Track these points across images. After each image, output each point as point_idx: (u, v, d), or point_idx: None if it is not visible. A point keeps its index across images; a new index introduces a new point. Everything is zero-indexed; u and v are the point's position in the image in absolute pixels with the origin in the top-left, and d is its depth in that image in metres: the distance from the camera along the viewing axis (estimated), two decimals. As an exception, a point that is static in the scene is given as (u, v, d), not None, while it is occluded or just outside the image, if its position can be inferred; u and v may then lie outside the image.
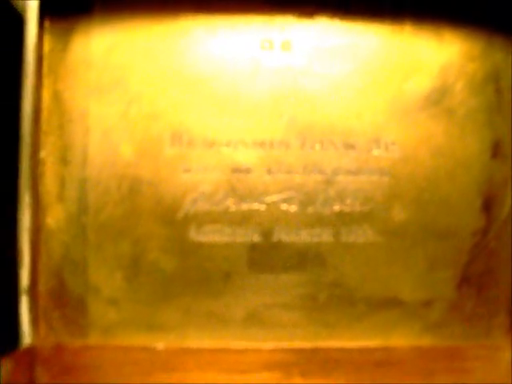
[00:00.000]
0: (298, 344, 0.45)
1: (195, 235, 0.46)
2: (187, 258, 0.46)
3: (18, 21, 0.47)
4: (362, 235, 0.47)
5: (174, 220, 0.46)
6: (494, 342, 0.46)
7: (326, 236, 0.46)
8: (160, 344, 0.45)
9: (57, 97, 0.46)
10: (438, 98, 0.48)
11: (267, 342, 0.45)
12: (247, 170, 0.47)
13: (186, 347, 0.45)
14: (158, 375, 0.44)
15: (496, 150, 0.48)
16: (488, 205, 0.48)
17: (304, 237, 0.46)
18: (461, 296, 0.47)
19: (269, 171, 0.47)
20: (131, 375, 0.44)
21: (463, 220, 0.47)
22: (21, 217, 0.44)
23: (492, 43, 0.49)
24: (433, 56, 0.48)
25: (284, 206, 0.46)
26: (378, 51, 0.48)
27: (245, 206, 0.46)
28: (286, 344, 0.45)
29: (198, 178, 0.46)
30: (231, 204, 0.46)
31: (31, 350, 0.43)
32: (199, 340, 0.45)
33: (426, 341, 0.46)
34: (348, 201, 0.47)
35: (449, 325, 0.47)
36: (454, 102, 0.48)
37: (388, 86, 0.47)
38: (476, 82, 0.48)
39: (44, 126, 0.46)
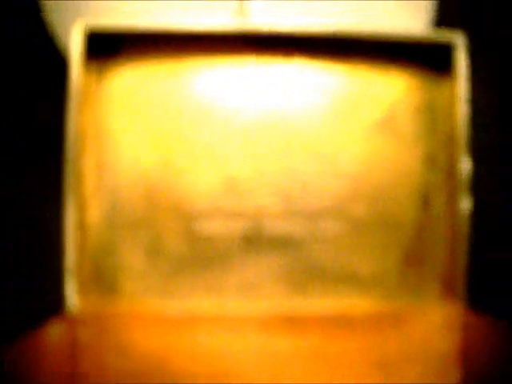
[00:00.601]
0: (281, 311, 0.48)
1: (200, 226, 0.49)
2: (193, 243, 0.49)
3: (61, 60, 0.50)
4: (331, 226, 0.50)
5: (183, 214, 0.49)
6: (429, 305, 0.50)
7: (302, 226, 0.50)
8: (174, 310, 0.47)
9: (93, 121, 0.49)
10: (387, 122, 0.51)
11: (257, 309, 0.48)
12: (241, 176, 0.50)
13: (193, 312, 0.47)
14: (171, 335, 0.46)
15: (432, 161, 0.52)
16: (426, 202, 0.51)
17: (285, 227, 0.50)
18: (404, 272, 0.50)
19: (258, 177, 0.50)
20: (152, 335, 0.46)
21: (407, 214, 0.51)
22: (67, 213, 0.47)
23: (428, 79, 0.51)
24: (383, 90, 0.51)
25: (270, 204, 0.50)
26: (342, 86, 0.51)
27: (239, 204, 0.50)
28: (271, 311, 0.48)
29: (201, 183, 0.50)
30: (228, 203, 0.50)
31: (75, 316, 0.46)
32: (203, 307, 0.48)
33: (377, 307, 0.49)
34: (320, 200, 0.50)
35: (395, 294, 0.50)
36: (400, 125, 0.51)
37: (349, 113, 0.51)
38: (416, 110, 0.51)
39: (84, 143, 0.49)
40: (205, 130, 0.50)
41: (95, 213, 0.49)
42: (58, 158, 0.49)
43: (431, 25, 0.59)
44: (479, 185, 0.51)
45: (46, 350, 0.40)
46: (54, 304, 0.47)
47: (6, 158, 0.57)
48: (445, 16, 0.59)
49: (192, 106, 0.50)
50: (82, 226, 0.48)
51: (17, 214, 0.56)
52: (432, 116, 0.52)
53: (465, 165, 0.50)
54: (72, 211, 0.47)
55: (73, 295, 0.47)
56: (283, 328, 0.47)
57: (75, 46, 0.48)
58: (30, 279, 0.56)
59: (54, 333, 0.42)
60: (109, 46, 0.50)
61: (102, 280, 0.49)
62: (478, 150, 0.51)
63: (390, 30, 0.51)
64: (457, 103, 0.51)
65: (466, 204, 0.50)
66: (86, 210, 0.49)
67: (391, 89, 0.52)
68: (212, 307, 0.48)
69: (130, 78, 0.50)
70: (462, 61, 0.50)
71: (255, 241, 0.50)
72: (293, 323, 0.47)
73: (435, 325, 0.49)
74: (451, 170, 0.51)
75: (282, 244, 0.50)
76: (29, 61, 0.56)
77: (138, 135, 0.50)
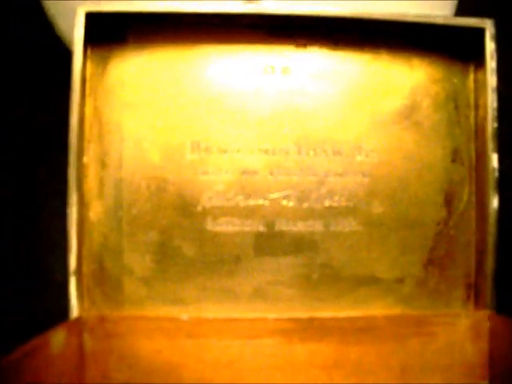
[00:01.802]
0: (296, 314, 0.46)
1: (211, 226, 0.47)
2: (204, 244, 0.47)
3: (65, 49, 0.47)
4: (348, 225, 0.48)
5: (193, 213, 0.47)
6: (454, 311, 0.47)
7: (317, 226, 0.47)
8: (184, 315, 0.45)
9: (97, 112, 0.47)
10: (408, 114, 0.49)
11: (271, 313, 0.46)
12: (254, 172, 0.47)
13: (205, 317, 0.45)
14: (182, 341, 0.44)
15: (455, 156, 0.49)
16: (448, 200, 0.49)
17: (300, 227, 0.47)
18: (426, 274, 0.48)
19: (271, 173, 0.48)
20: (160, 340, 0.44)
21: (428, 212, 0.48)
22: (69, 211, 0.45)
23: (451, 68, 0.49)
24: (404, 79, 0.49)
25: (284, 202, 0.48)
26: (360, 75, 0.49)
27: (252, 202, 0.47)
28: (286, 314, 0.46)
29: (213, 179, 0.47)
30: (240, 200, 0.47)
31: (79, 320, 0.44)
32: (215, 312, 0.46)
33: (397, 311, 0.47)
34: (336, 198, 0.48)
35: (417, 298, 0.48)
36: (421, 117, 0.49)
37: (368, 104, 0.48)
38: (439, 100, 0.49)
39: (87, 136, 0.46)
40: (216, 121, 0.47)
41: (98, 211, 0.47)
42: (60, 154, 0.46)
43: (457, 11, 0.55)
44: (508, 181, 0.49)
45: (50, 359, 0.38)
46: (57, 308, 0.44)
47: (7, 154, 0.54)
48: (470, 3, 0.55)
49: (202, 96, 0.48)
50: (84, 225, 0.46)
51: (19, 212, 0.53)
52: (456, 107, 0.49)
53: (492, 160, 0.47)
54: (74, 210, 0.45)
55: (75, 299, 0.44)
56: (299, 334, 0.45)
57: (77, 32, 0.45)
58: (31, 282, 0.53)
59: (57, 340, 0.39)
60: (114, 33, 0.47)
61: (106, 283, 0.46)
62: (505, 143, 0.48)
63: (412, 15, 0.47)
64: (484, 93, 0.47)
65: (493, 202, 0.47)
66: (89, 209, 0.46)
67: (413, 78, 0.49)
68: (224, 312, 0.46)
69: (137, 67, 0.47)
70: (490, 49, 0.47)
71: (269, 241, 0.47)
72: (309, 329, 0.45)
73: (460, 331, 0.46)
74: (477, 166, 0.48)
75: (297, 245, 0.47)
76: (30, 54, 0.53)
77: (145, 127, 0.47)
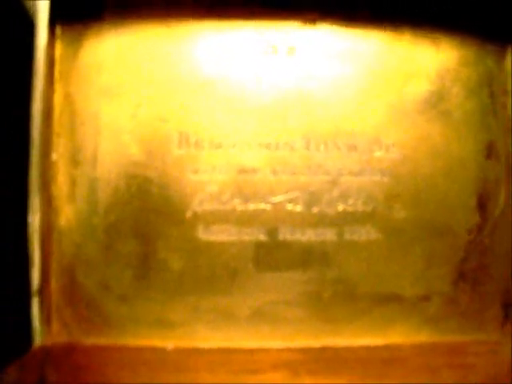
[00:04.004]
0: (305, 343, 0.40)
1: (203, 234, 0.41)
2: (195, 256, 0.41)
3: (30, 25, 0.40)
4: (365, 234, 0.42)
5: (182, 219, 0.41)
6: (490, 335, 0.41)
7: (329, 235, 0.41)
8: (169, 344, 0.39)
9: (68, 100, 0.41)
10: (435, 102, 0.43)
11: (274, 341, 0.40)
12: (253, 171, 0.41)
13: (195, 347, 0.40)
14: (168, 376, 0.39)
15: (490, 151, 0.43)
16: (482, 203, 0.43)
17: (308, 236, 0.41)
18: (457, 291, 0.42)
19: (274, 172, 0.42)
20: (141, 376, 0.38)
21: (459, 218, 0.42)
22: (31, 218, 0.38)
23: (485, 49, 0.44)
24: (430, 62, 0.43)
25: (289, 206, 0.42)
26: (379, 57, 0.42)
27: (251, 206, 0.41)
28: (293, 343, 0.40)
29: (205, 179, 0.41)
30: (238, 204, 0.41)
31: (42, 350, 0.38)
32: (207, 338, 0.40)
33: (424, 335, 0.41)
34: (351, 201, 0.42)
35: (445, 319, 0.42)
36: (451, 105, 0.43)
37: (388, 90, 0.42)
38: (471, 86, 0.43)
39: (56, 128, 0.41)
40: (208, 111, 0.42)
41: (70, 216, 0.40)
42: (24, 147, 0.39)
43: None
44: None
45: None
46: (18, 336, 0.38)
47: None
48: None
49: (192, 81, 0.42)
50: (52, 233, 0.40)
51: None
52: (491, 94, 0.43)
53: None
54: (38, 216, 0.38)
55: (40, 323, 0.38)
56: (308, 367, 0.39)
57: (42, 5, 0.39)
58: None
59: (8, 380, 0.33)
60: (88, 8, 0.42)
61: (80, 302, 0.40)
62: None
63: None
64: None
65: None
66: (59, 214, 0.40)
67: (440, 60, 0.43)
68: (218, 339, 0.40)
69: (115, 47, 0.42)
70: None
71: (272, 253, 0.41)
72: (321, 361, 0.39)
73: (499, 358, 0.39)
74: None
75: (305, 257, 0.41)
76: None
77: (124, 117, 0.41)
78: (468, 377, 0.38)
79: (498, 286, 0.42)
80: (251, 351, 0.39)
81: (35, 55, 0.38)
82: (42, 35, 0.39)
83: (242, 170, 0.41)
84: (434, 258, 0.42)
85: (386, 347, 0.39)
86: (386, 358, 0.39)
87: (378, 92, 0.42)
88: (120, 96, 0.41)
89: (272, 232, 0.41)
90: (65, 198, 0.40)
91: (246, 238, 0.41)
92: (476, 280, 0.42)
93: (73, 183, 0.40)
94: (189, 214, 0.40)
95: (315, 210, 0.41)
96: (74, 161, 0.40)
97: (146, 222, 0.40)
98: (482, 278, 0.42)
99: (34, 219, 0.38)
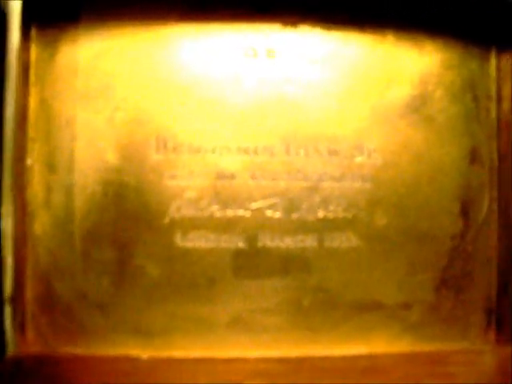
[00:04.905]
0: (284, 352, 0.39)
1: (180, 241, 0.40)
2: (173, 263, 0.40)
3: (3, 27, 0.38)
4: (345, 240, 0.41)
5: (159, 226, 0.40)
6: (473, 342, 0.40)
7: (309, 241, 0.40)
8: (145, 354, 0.38)
9: (44, 104, 0.40)
10: (417, 106, 0.42)
11: (253, 350, 0.39)
12: (232, 176, 0.40)
13: (171, 357, 0.38)
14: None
15: (473, 156, 0.42)
16: (466, 209, 0.42)
17: (288, 243, 0.40)
18: (439, 298, 0.41)
19: (253, 177, 0.40)
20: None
21: (442, 224, 0.42)
22: (3, 224, 0.37)
23: (468, 53, 0.43)
24: (413, 65, 0.42)
25: (268, 213, 0.40)
26: (361, 60, 0.41)
27: (229, 212, 0.40)
28: (272, 352, 0.39)
29: (183, 184, 0.40)
30: (216, 210, 0.40)
31: (14, 360, 0.36)
32: (184, 346, 0.39)
33: (405, 343, 0.40)
34: (331, 207, 0.41)
35: (428, 326, 0.41)
36: (434, 110, 0.42)
37: (370, 94, 0.41)
38: (454, 90, 0.42)
39: (31, 132, 0.40)
40: (186, 114, 0.41)
41: (45, 223, 0.39)
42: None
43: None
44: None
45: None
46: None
47: None
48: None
49: (170, 85, 0.41)
50: (27, 240, 0.39)
51: None
52: (475, 98, 0.42)
53: (517, 161, 0.41)
54: (11, 223, 0.37)
55: (12, 333, 0.36)
56: (288, 377, 0.38)
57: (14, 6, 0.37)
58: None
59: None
60: (63, 14, 0.40)
61: (55, 310, 0.39)
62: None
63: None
64: (507, 82, 0.42)
65: (520, 212, 0.40)
66: (34, 220, 0.39)
67: (423, 64, 0.42)
68: (195, 348, 0.39)
69: (92, 50, 0.41)
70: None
71: (251, 260, 0.40)
72: (300, 371, 0.38)
73: (482, 368, 0.39)
74: (500, 168, 0.42)
75: (284, 264, 0.40)
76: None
77: (101, 122, 0.40)
78: (445, 380, 0.37)
79: (481, 293, 0.42)
80: (229, 361, 0.38)
81: (8, 57, 0.36)
82: (14, 37, 0.37)
83: (221, 176, 0.40)
84: (416, 265, 0.41)
85: (367, 356, 0.38)
86: (367, 367, 0.38)
87: (360, 96, 0.41)
88: (96, 100, 0.40)
89: (251, 239, 0.40)
90: (40, 204, 0.39)
91: (225, 244, 0.40)
92: (459, 287, 0.41)
93: (48, 189, 0.39)
94: (166, 221, 0.39)
95: (295, 216, 0.40)
96: (50, 166, 0.39)
97: (123, 229, 0.39)
98: (465, 284, 0.41)
99: (7, 225, 0.36)
